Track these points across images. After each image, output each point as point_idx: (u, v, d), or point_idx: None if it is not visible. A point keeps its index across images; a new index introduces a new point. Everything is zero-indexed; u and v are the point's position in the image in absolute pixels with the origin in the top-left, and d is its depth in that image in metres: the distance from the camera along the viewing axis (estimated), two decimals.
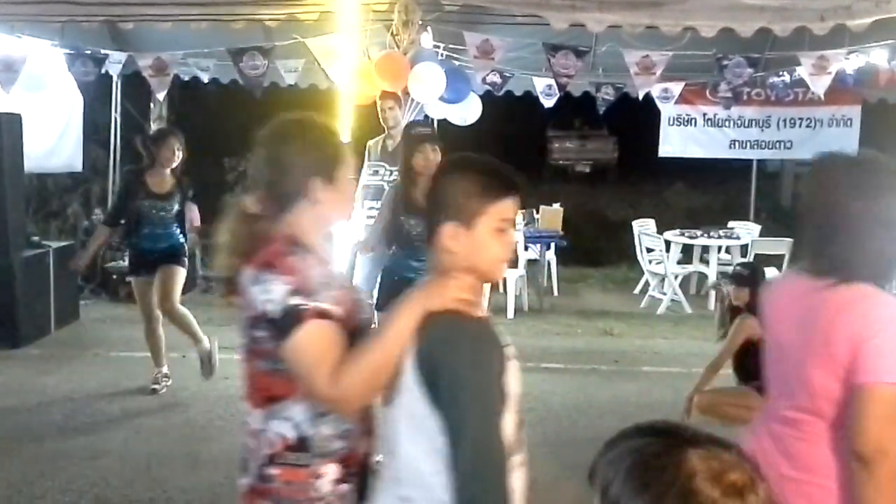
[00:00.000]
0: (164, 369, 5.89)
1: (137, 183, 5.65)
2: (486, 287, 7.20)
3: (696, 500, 1.00)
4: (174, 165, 5.69)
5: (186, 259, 5.87)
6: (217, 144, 13.24)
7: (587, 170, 18.13)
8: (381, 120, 6.41)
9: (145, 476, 4.44)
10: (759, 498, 1.02)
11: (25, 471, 4.46)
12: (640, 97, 7.82)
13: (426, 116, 6.65)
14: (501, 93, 8.82)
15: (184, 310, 5.75)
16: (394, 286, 4.43)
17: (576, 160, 18.37)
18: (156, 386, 5.81)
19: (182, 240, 5.78)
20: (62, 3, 6.41)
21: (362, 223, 6.57)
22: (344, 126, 6.38)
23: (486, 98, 8.53)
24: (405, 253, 4.47)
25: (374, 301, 4.64)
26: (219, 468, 4.53)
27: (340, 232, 6.35)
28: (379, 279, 4.69)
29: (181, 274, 5.73)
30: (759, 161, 11.00)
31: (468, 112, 7.21)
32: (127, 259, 6.37)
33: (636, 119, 14.02)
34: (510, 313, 8.29)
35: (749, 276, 4.77)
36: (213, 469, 4.52)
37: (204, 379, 5.75)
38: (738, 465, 1.03)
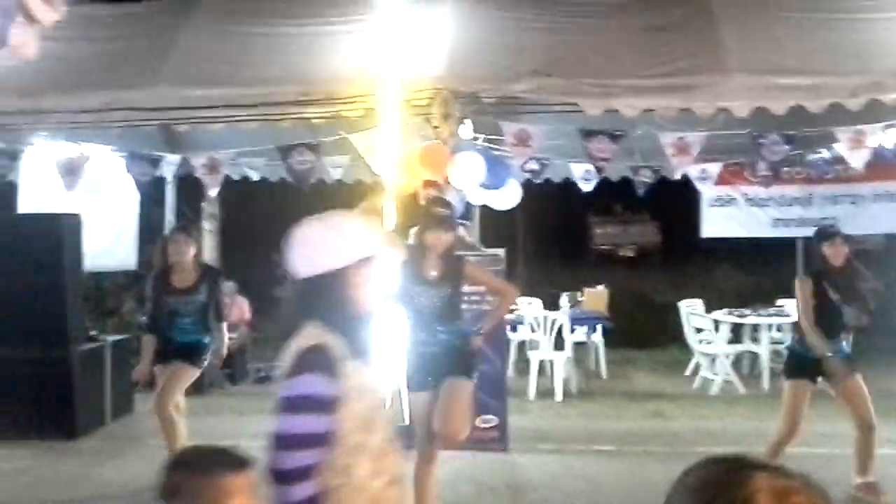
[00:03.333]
0: None
1: (162, 283, 5.73)
2: (533, 370, 7.26)
3: None
4: (190, 256, 5.73)
5: (205, 358, 5.79)
6: (267, 240, 13.60)
7: (631, 254, 18.14)
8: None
9: None
10: None
11: None
12: (679, 178, 7.91)
13: (467, 203, 6.81)
14: (541, 180, 9.01)
15: (175, 417, 5.63)
16: (421, 365, 4.56)
17: (618, 245, 18.42)
18: None
19: (207, 339, 5.74)
20: (121, 110, 6.81)
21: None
22: (389, 215, 6.60)
23: (526, 185, 8.73)
24: (417, 326, 4.62)
25: (407, 382, 4.73)
26: None
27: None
28: (410, 363, 4.74)
29: (191, 374, 5.70)
30: (805, 239, 10.92)
31: (508, 198, 7.37)
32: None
33: (677, 202, 14.13)
34: (558, 396, 8.23)
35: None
36: None
37: None
38: (804, 489, 1.04)
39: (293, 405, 2.08)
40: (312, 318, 2.21)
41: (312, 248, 2.23)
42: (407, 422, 4.88)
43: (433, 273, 4.58)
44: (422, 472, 4.56)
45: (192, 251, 5.74)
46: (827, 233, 5.55)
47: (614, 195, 16.16)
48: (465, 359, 4.56)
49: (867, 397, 5.32)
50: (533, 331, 8.54)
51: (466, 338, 4.62)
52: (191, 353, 5.68)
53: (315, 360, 2.11)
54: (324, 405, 2.07)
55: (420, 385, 4.57)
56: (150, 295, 5.84)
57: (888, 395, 8.47)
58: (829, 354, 5.22)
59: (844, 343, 5.39)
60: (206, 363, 5.85)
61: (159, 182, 9.42)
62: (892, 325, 10.91)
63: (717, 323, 8.90)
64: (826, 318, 5.32)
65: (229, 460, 1.81)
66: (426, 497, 4.59)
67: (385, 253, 2.28)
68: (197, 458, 1.87)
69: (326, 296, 2.21)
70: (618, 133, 6.40)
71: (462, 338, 4.59)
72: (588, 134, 6.38)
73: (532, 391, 8.17)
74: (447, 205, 4.75)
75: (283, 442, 2.05)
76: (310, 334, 2.18)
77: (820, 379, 5.41)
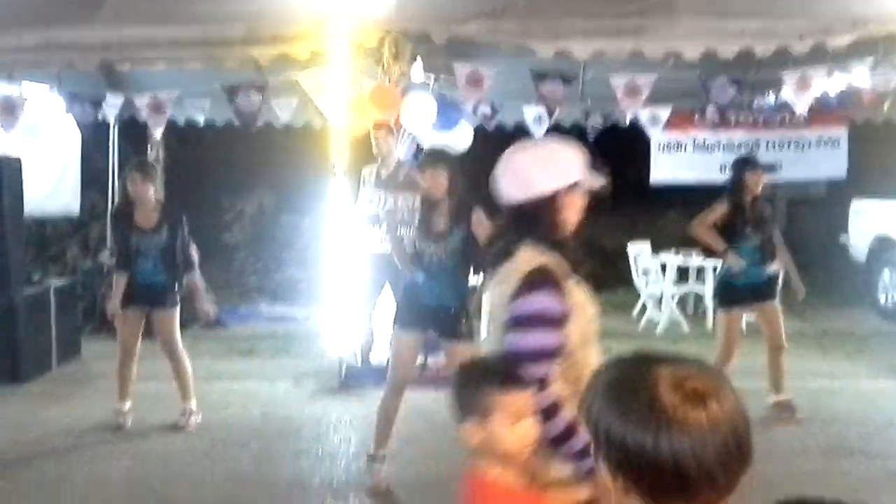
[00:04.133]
0: (126, 405, 5.78)
1: (126, 220, 5.66)
2: (485, 312, 7.30)
3: (659, 405, 1.08)
4: (150, 195, 5.61)
5: (178, 296, 5.77)
6: (215, 185, 13.38)
7: None
8: (374, 149, 6.57)
9: (150, 499, 4.49)
10: (722, 407, 1.08)
11: (29, 498, 4.49)
12: (629, 122, 7.96)
13: (419, 146, 6.78)
14: (493, 125, 8.98)
15: (187, 362, 5.77)
16: (410, 307, 4.54)
17: None
18: (121, 421, 5.70)
19: (172, 277, 5.69)
20: (60, 49, 6.58)
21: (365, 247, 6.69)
22: (339, 159, 6.55)
23: (479, 133, 8.70)
24: (422, 275, 4.56)
25: (393, 316, 4.74)
26: (223, 489, 4.59)
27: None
28: (400, 296, 4.76)
29: (176, 315, 5.72)
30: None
31: (460, 140, 7.34)
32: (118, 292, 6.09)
33: (627, 149, 14.25)
34: None
35: None
36: (217, 490, 4.58)
37: (175, 428, 5.67)
38: (700, 374, 1.11)
39: (526, 323, 2.16)
40: (527, 240, 2.27)
41: (527, 172, 2.29)
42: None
43: (440, 224, 4.53)
44: (388, 405, 4.64)
45: (149, 190, 5.60)
46: (750, 161, 5.91)
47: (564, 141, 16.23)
48: (463, 320, 4.54)
49: (781, 322, 5.87)
50: (485, 272, 8.60)
51: (465, 297, 4.59)
52: (153, 295, 5.61)
53: (542, 279, 2.18)
54: (554, 321, 2.16)
55: (406, 325, 4.56)
56: (114, 236, 5.76)
57: (827, 333, 8.81)
58: (723, 249, 5.73)
59: (763, 268, 5.73)
60: (177, 303, 5.76)
61: (102, 126, 9.16)
62: (833, 268, 11.28)
63: (663, 265, 9.07)
64: (736, 240, 5.70)
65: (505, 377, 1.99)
66: (388, 428, 4.65)
67: (589, 178, 2.35)
68: (486, 374, 2.03)
69: (540, 219, 2.28)
70: (570, 76, 6.40)
71: (461, 296, 4.55)
72: (540, 76, 6.36)
73: (484, 332, 8.24)
74: (441, 150, 4.67)
75: (519, 358, 2.12)
76: (528, 256, 2.25)
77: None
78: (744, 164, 5.87)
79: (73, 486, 4.67)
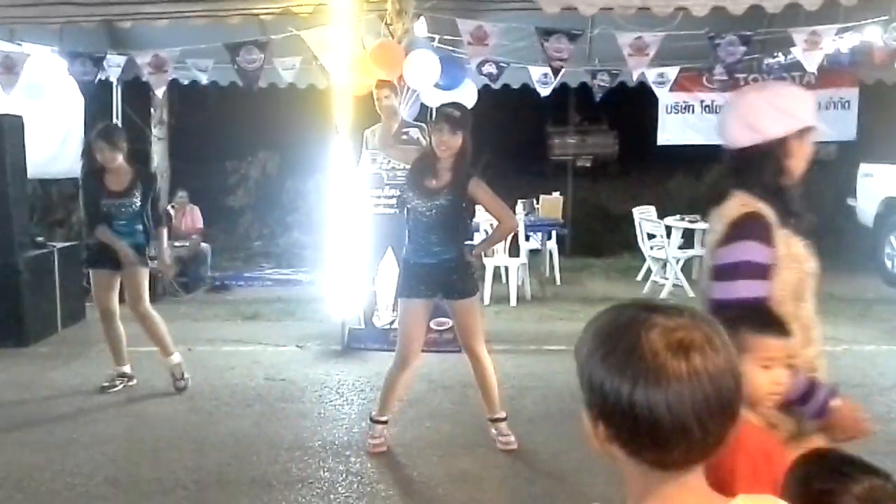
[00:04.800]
0: (125, 368, 5.76)
1: (97, 184, 5.51)
2: (488, 277, 7.18)
3: (639, 352, 1.04)
4: (119, 161, 5.46)
5: (147, 258, 5.66)
6: (219, 148, 13.33)
7: (588, 164, 18.14)
8: (377, 108, 6.47)
9: (154, 459, 4.49)
10: (707, 360, 1.04)
11: (35, 457, 4.51)
12: (637, 85, 7.86)
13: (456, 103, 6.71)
14: (498, 84, 8.88)
15: (156, 316, 5.65)
16: (412, 275, 4.48)
17: (576, 155, 18.38)
18: (106, 384, 5.66)
19: (143, 239, 5.59)
20: (60, 5, 6.50)
21: (367, 209, 6.63)
22: (342, 119, 6.47)
23: (484, 93, 8.60)
24: (414, 236, 4.48)
25: (397, 289, 4.68)
26: (226, 450, 4.59)
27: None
28: (401, 267, 4.69)
29: (145, 274, 5.61)
30: None
31: (464, 99, 7.24)
32: (88, 253, 6.08)
33: (635, 111, 14.10)
34: (513, 301, 8.34)
35: None
36: (220, 451, 4.58)
37: (177, 392, 5.63)
38: (693, 327, 1.06)
39: (731, 271, 2.09)
40: (745, 186, 2.18)
41: (756, 115, 2.18)
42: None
43: (433, 182, 4.37)
44: (394, 376, 4.57)
45: (119, 156, 5.45)
46: None
47: (573, 105, 16.09)
48: (464, 276, 4.46)
49: None
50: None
51: (463, 254, 4.48)
52: (139, 255, 5.52)
53: (752, 226, 2.10)
54: (760, 271, 2.08)
55: (411, 292, 4.48)
56: (85, 198, 5.61)
57: (832, 297, 8.74)
58: None
59: None
60: (148, 264, 5.69)
61: (105, 87, 9.09)
62: (840, 231, 11.18)
63: (668, 229, 9.00)
64: None
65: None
66: (391, 397, 4.63)
67: (818, 125, 2.24)
68: (748, 314, 1.97)
69: (764, 165, 2.18)
70: (575, 32, 6.30)
71: (459, 254, 4.44)
72: (546, 33, 6.26)
73: (487, 297, 8.24)
74: (461, 108, 4.48)
75: (722, 308, 2.06)
76: (740, 202, 2.16)
77: None
78: None
79: (80, 445, 4.69)
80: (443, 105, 4.50)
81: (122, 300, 5.72)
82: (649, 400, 1.03)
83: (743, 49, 6.42)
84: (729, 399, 1.05)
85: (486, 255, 8.60)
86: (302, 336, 7.16)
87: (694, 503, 1.10)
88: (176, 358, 5.71)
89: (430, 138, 4.40)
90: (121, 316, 5.69)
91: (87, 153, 5.56)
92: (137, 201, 5.51)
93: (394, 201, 6.47)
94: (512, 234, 6.89)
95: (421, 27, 6.68)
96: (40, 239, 7.79)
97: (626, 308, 1.11)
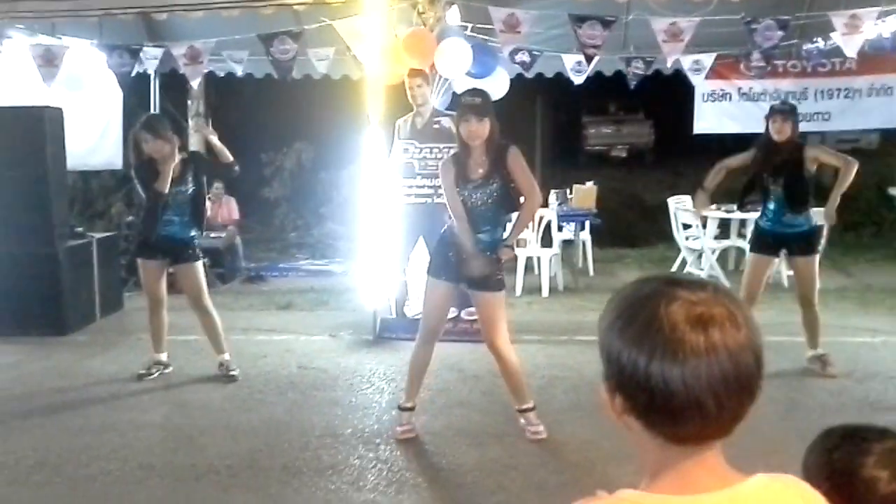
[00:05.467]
0: (163, 356, 5.82)
1: (150, 172, 5.49)
2: (520, 267, 7.15)
3: (657, 324, 1.03)
4: (167, 150, 5.42)
5: (199, 250, 5.71)
6: (255, 139, 13.43)
7: (623, 154, 17.97)
8: (409, 98, 6.48)
9: (188, 445, 4.56)
10: (726, 336, 1.02)
11: (72, 442, 4.60)
12: (671, 69, 7.75)
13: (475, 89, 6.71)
14: (532, 73, 8.81)
15: (215, 314, 5.74)
16: (443, 256, 4.49)
17: (612, 145, 18.23)
18: (143, 372, 5.73)
19: (194, 232, 5.65)
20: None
21: (399, 198, 6.63)
22: (375, 109, 6.48)
23: (518, 81, 8.54)
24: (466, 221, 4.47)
25: (427, 265, 4.70)
26: (258, 437, 4.64)
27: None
28: (435, 246, 4.71)
29: (201, 269, 5.68)
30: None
31: (496, 88, 7.21)
32: (136, 242, 6.10)
33: (671, 99, 13.92)
34: (545, 292, 8.30)
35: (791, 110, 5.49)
36: (252, 437, 4.63)
37: (226, 380, 5.68)
38: (714, 302, 1.05)
39: None
40: None
41: None
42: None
43: (479, 171, 4.35)
44: (419, 354, 4.62)
45: (166, 146, 5.42)
46: (773, 108, 5.65)
47: (608, 94, 15.93)
48: (493, 270, 4.42)
49: (815, 277, 5.61)
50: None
51: (497, 246, 4.46)
52: (174, 248, 5.58)
53: None
54: None
55: (440, 273, 4.48)
56: (142, 188, 5.61)
57: (871, 288, 8.59)
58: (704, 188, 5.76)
59: (790, 219, 5.53)
60: (201, 257, 5.75)
61: (144, 80, 9.21)
62: (881, 222, 10.96)
63: (704, 219, 8.88)
64: (758, 187, 5.59)
65: None
66: (419, 379, 4.65)
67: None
68: None
69: None
70: (609, 18, 6.23)
71: (495, 246, 4.43)
72: (579, 20, 6.20)
73: (519, 287, 8.22)
74: (480, 93, 4.47)
75: None
76: None
77: (783, 253, 5.86)
78: (769, 112, 5.65)
79: (116, 432, 4.77)
80: (463, 95, 4.51)
81: (170, 290, 5.82)
82: (665, 373, 1.02)
83: (780, 34, 6.29)
84: (747, 376, 1.04)
85: (517, 246, 8.57)
86: (334, 325, 7.20)
87: (708, 479, 1.09)
88: (227, 356, 5.79)
89: (458, 131, 4.39)
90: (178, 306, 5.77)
91: (135, 146, 5.57)
92: (191, 187, 5.57)
93: (426, 191, 6.48)
94: (537, 215, 6.75)
95: (453, 15, 6.66)
96: (80, 229, 7.94)
97: (650, 281, 1.11)
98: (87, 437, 4.69)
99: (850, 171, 5.40)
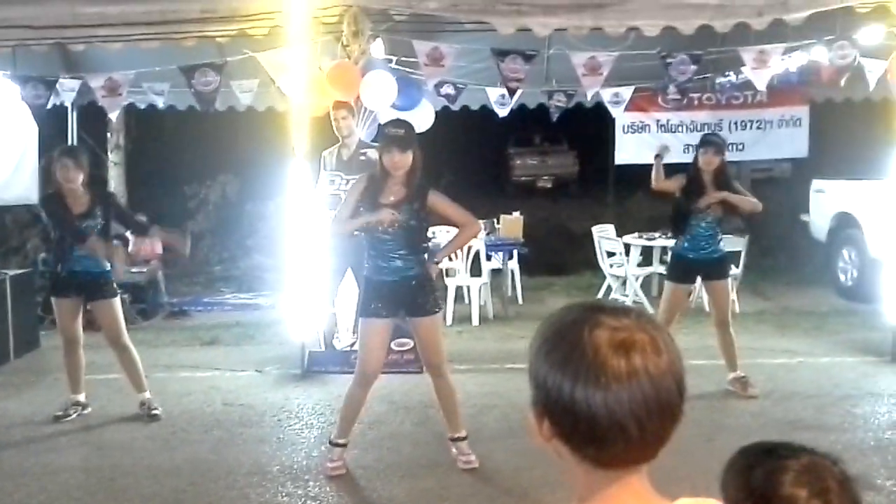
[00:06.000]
0: (80, 397, 5.63)
1: (59, 206, 5.37)
2: (450, 297, 7.20)
3: (580, 349, 1.05)
4: (80, 182, 5.33)
5: (115, 285, 5.58)
6: (178, 172, 13.20)
7: (549, 185, 18.32)
8: (335, 130, 6.49)
9: (108, 487, 4.39)
10: (648, 361, 1.05)
11: None
12: (592, 101, 7.96)
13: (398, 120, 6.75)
14: (457, 106, 8.94)
15: (134, 351, 5.59)
16: (375, 293, 4.46)
17: (537, 176, 18.57)
18: (60, 413, 5.51)
19: (108, 266, 5.49)
20: (13, 28, 6.42)
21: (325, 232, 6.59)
22: (300, 141, 6.45)
23: (444, 113, 8.65)
24: (374, 254, 4.47)
25: (360, 308, 4.64)
26: (182, 477, 4.50)
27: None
28: (363, 286, 4.67)
29: (118, 305, 5.54)
30: None
31: (421, 120, 7.27)
32: (51, 280, 5.82)
33: (593, 131, 14.29)
34: (475, 321, 8.34)
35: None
36: (176, 478, 4.49)
37: (149, 420, 5.50)
38: (637, 328, 1.07)
39: None
40: None
41: None
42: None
43: (391, 198, 4.36)
44: (354, 396, 4.55)
45: (80, 176, 5.33)
46: (703, 140, 5.95)
47: (533, 126, 16.26)
48: (426, 293, 4.45)
49: (728, 299, 6.03)
50: (450, 258, 8.57)
51: (427, 270, 4.49)
52: (89, 285, 5.41)
53: None
54: None
55: (371, 312, 4.45)
56: (49, 218, 5.47)
57: (788, 311, 8.90)
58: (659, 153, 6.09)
59: (716, 246, 5.84)
60: (116, 293, 5.58)
61: (61, 112, 8.97)
62: (795, 247, 11.39)
63: (627, 246, 9.10)
64: (690, 217, 5.78)
65: None
66: (352, 418, 4.59)
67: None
68: None
69: None
70: (530, 53, 6.38)
71: (421, 270, 4.44)
72: (501, 54, 6.33)
73: (450, 317, 8.24)
74: (404, 124, 4.49)
75: None
76: None
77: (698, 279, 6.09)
78: (698, 143, 5.94)
79: (32, 476, 4.57)
80: (387, 125, 4.55)
81: (88, 328, 5.64)
82: (588, 397, 1.04)
83: (694, 68, 6.55)
84: (668, 401, 1.06)
85: (447, 276, 8.62)
86: (261, 360, 7.08)
87: (634, 503, 1.10)
88: (148, 395, 5.62)
89: (381, 160, 4.41)
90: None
91: (47, 174, 5.45)
92: (101, 221, 5.41)
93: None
94: (473, 238, 6.86)
95: (378, 48, 6.71)
96: None
97: (575, 307, 1.13)
98: (3, 481, 4.48)
99: (753, 209, 5.81)
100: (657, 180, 6.01)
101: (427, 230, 4.61)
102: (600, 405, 1.03)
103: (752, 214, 6.06)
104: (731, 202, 5.73)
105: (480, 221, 9.30)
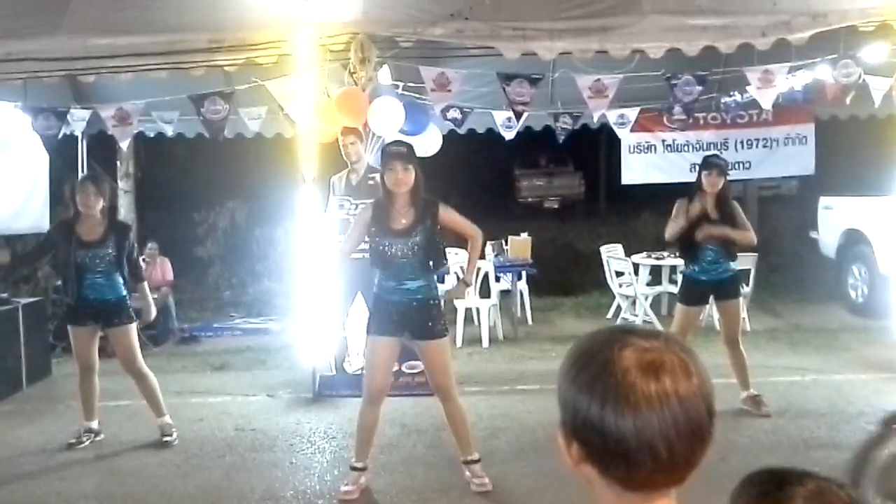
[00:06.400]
0: (94, 424, 5.65)
1: (68, 234, 5.41)
2: (460, 319, 7.21)
3: (610, 371, 1.06)
4: (99, 209, 5.42)
5: (132, 312, 5.60)
6: (187, 198, 13.27)
7: (556, 205, 18.38)
8: (343, 155, 6.54)
9: None
10: (678, 384, 1.06)
11: None
12: (597, 123, 8.00)
13: (398, 140, 6.80)
14: (463, 130, 8.99)
15: (152, 376, 5.63)
16: (382, 312, 4.48)
17: (543, 197, 18.64)
18: (73, 441, 5.54)
19: (124, 292, 5.53)
20: (22, 60, 6.51)
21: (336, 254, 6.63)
22: (308, 166, 6.51)
23: (452, 138, 8.70)
24: (385, 275, 4.49)
25: (367, 325, 4.67)
26: (195, 503, 4.51)
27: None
28: (372, 304, 4.71)
29: (133, 332, 5.56)
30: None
31: (429, 144, 7.33)
32: (66, 308, 5.83)
33: (599, 152, 14.37)
34: (485, 342, 8.34)
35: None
36: (190, 503, 4.49)
37: (164, 445, 5.53)
38: (666, 350, 1.09)
39: None
40: None
41: None
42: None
43: (403, 221, 4.39)
44: (365, 416, 4.55)
45: (100, 204, 5.42)
46: (706, 162, 5.95)
47: (539, 147, 16.33)
48: (434, 317, 4.47)
49: (739, 317, 6.08)
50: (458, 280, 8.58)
51: (435, 293, 4.52)
52: (104, 312, 5.44)
53: None
54: None
55: (379, 331, 4.47)
56: (43, 240, 5.55)
57: (799, 328, 8.87)
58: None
59: (725, 266, 5.81)
60: (134, 319, 5.61)
61: (71, 141, 9.06)
62: (804, 264, 11.37)
63: (636, 266, 9.10)
64: (691, 244, 5.78)
65: None
66: (368, 439, 4.59)
67: None
68: None
69: None
70: (536, 76, 6.42)
71: (431, 293, 4.48)
72: (507, 78, 6.37)
73: (459, 339, 8.24)
74: (404, 144, 4.54)
75: None
76: None
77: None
78: (701, 165, 5.96)
79: (45, 503, 4.58)
80: (387, 146, 4.60)
81: (101, 354, 5.67)
82: (617, 417, 1.04)
83: (699, 89, 6.57)
84: (698, 423, 1.07)
85: (457, 298, 8.61)
86: (272, 385, 7.09)
87: None
88: (168, 419, 5.65)
89: (383, 180, 4.45)
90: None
91: (62, 198, 5.51)
92: (112, 251, 5.42)
93: (363, 246, 6.50)
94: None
95: (385, 75, 6.77)
96: (4, 295, 7.68)
97: (605, 330, 1.15)
98: None
99: (750, 243, 5.92)
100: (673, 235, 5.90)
101: (443, 246, 4.61)
102: (629, 426, 1.04)
103: (748, 247, 6.12)
104: (729, 238, 5.74)
105: (490, 243, 9.47)
